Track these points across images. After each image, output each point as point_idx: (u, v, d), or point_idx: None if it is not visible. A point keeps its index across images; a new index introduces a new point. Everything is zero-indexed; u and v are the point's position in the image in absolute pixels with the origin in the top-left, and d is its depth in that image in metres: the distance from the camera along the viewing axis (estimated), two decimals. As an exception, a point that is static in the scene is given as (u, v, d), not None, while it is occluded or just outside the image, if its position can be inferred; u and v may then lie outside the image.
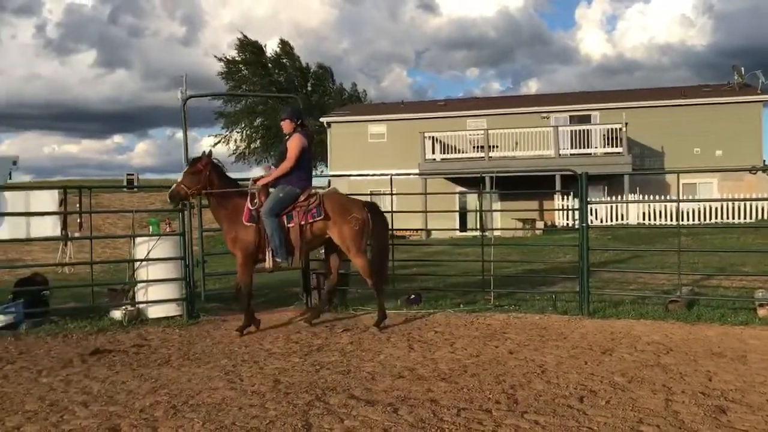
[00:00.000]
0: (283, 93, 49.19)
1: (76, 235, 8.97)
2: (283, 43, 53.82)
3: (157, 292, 8.51)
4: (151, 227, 8.90)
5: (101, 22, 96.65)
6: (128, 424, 4.48)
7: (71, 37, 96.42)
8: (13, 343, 7.18)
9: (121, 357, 6.54)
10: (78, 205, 8.85)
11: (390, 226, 8.64)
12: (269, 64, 52.98)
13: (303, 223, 7.63)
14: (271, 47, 54.29)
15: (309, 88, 53.61)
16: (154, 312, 8.38)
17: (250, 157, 52.69)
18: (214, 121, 67.33)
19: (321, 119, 36.39)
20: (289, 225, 7.62)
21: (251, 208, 7.57)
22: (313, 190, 7.89)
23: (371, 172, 24.43)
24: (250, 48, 52.33)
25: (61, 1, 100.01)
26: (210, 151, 7.83)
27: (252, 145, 52.81)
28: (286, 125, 7.89)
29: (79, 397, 5.17)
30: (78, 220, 8.82)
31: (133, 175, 33.64)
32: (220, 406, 4.85)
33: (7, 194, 8.09)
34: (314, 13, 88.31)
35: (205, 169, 7.62)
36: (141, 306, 8.46)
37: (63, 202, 8.32)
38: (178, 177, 7.86)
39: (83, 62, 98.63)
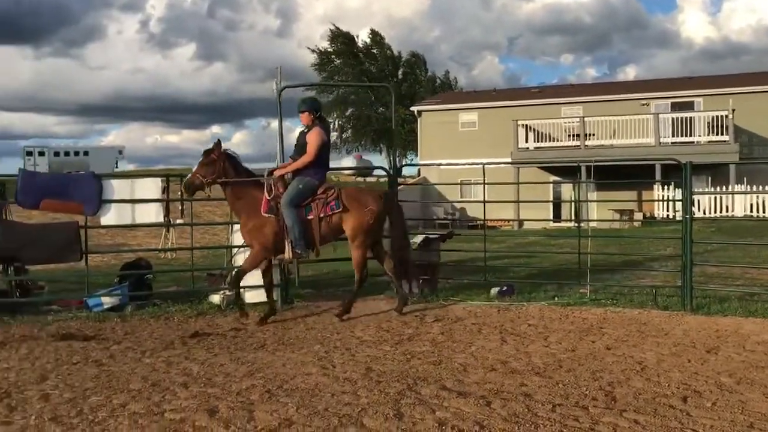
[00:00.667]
0: (374, 82, 49.57)
1: (178, 221, 9.32)
2: (374, 33, 54.13)
3: (255, 277, 8.71)
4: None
5: (200, 17, 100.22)
6: (226, 406, 4.60)
7: (172, 32, 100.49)
8: (119, 324, 7.54)
9: (219, 340, 6.74)
10: (180, 193, 9.19)
11: (483, 216, 8.51)
12: (360, 54, 53.39)
13: (322, 215, 7.66)
14: (362, 37, 54.65)
15: (400, 77, 53.68)
16: (250, 297, 8.58)
17: (342, 147, 53.35)
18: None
19: (411, 108, 36.36)
20: (308, 217, 7.62)
21: (269, 198, 7.57)
22: (330, 185, 8.05)
23: (462, 161, 24.14)
24: (341, 39, 52.89)
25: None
26: (219, 141, 7.83)
27: (344, 135, 53.46)
28: (305, 118, 7.87)
29: (180, 378, 5.36)
30: (180, 208, 9.16)
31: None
32: (314, 392, 4.92)
33: (114, 182, 8.46)
34: (406, 4, 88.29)
35: (219, 159, 7.62)
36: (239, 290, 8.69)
37: (166, 189, 8.65)
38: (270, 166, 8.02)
39: (183, 56, 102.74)
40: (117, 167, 47.12)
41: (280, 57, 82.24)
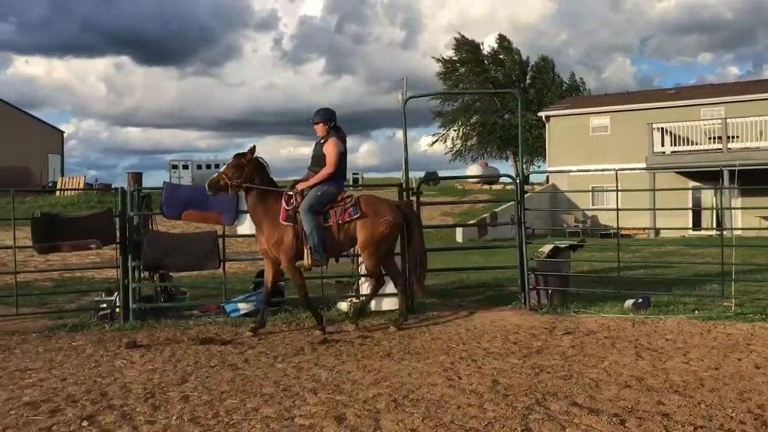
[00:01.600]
0: (499, 89, 49.01)
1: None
2: (501, 38, 53.49)
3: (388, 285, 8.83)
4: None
5: (329, 32, 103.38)
6: (353, 414, 4.66)
7: (303, 48, 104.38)
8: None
9: (347, 347, 6.86)
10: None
11: (616, 224, 8.14)
12: (485, 61, 52.95)
13: (340, 222, 7.67)
14: (488, 44, 54.18)
15: (527, 82, 52.74)
16: (377, 305, 8.70)
17: (467, 155, 53.09)
18: (431, 121, 68.77)
19: (539, 113, 35.59)
20: (326, 224, 7.64)
21: (287, 208, 7.61)
22: (347, 193, 8.03)
23: (594, 167, 23.38)
24: (466, 47, 52.70)
25: (294, 15, 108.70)
26: (254, 147, 7.90)
27: (468, 143, 53.18)
28: (320, 129, 7.88)
29: (309, 384, 5.49)
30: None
31: (358, 174, 35.53)
32: (439, 403, 4.88)
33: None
34: (532, 9, 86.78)
35: (249, 164, 7.68)
36: (365, 298, 8.83)
37: (295, 200, 8.91)
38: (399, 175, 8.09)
39: (314, 70, 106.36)
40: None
41: (405, 68, 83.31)
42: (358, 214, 7.67)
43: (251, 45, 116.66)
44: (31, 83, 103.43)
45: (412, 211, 8.43)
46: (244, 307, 8.64)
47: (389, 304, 8.72)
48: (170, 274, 9.00)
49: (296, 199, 7.62)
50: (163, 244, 8.40)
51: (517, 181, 9.52)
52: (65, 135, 53.31)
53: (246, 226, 8.63)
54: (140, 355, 6.58)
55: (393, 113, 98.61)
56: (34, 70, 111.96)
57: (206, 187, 7.69)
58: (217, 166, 51.14)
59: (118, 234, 8.31)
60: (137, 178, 9.32)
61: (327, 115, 7.90)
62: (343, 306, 8.73)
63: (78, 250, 8.64)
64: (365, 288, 8.87)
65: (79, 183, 34.44)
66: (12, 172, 40.29)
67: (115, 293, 8.45)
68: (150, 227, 8.90)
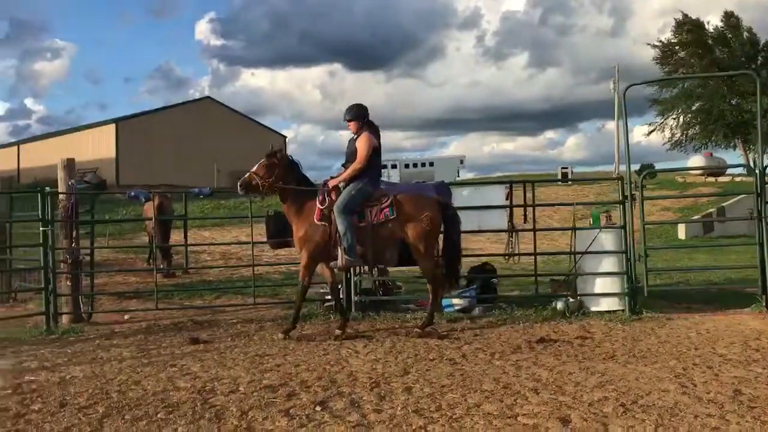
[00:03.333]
0: (726, 71, 44.74)
1: (523, 227, 9.46)
2: (728, 16, 48.71)
3: (599, 285, 8.48)
4: (591, 220, 8.90)
5: (533, 26, 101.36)
6: (578, 417, 4.49)
7: (506, 43, 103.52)
8: (468, 325, 7.90)
9: (566, 347, 6.65)
10: (523, 199, 9.32)
11: None
12: (709, 42, 48.58)
13: (375, 222, 7.35)
14: (712, 24, 49.63)
15: (758, 62, 47.60)
16: (595, 305, 8.35)
17: (687, 144, 49.12)
18: (644, 110, 64.55)
19: (775, 97, 31.98)
20: (360, 224, 7.34)
21: (321, 207, 7.39)
22: (384, 190, 7.70)
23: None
24: (688, 27, 48.70)
25: (497, 11, 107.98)
26: (284, 145, 7.49)
27: (689, 132, 49.16)
28: (352, 126, 7.66)
29: (530, 383, 5.39)
30: (523, 213, 9.28)
31: (567, 168, 34.42)
32: (673, 411, 4.55)
33: (462, 190, 8.93)
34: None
35: (280, 164, 7.58)
36: (582, 298, 8.52)
37: (509, 196, 8.85)
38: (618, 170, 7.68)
39: (516, 65, 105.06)
40: (459, 176, 49.86)
41: (614, 56, 79.40)
42: (395, 215, 7.43)
43: (454, 44, 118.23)
44: (257, 93, 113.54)
45: (451, 207, 8.03)
46: (458, 302, 8.73)
47: (608, 304, 8.33)
48: (387, 268, 9.33)
49: (330, 198, 7.47)
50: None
51: (756, 172, 8.62)
52: (287, 139, 57.63)
53: (463, 222, 8.70)
54: (363, 345, 6.89)
55: (601, 104, 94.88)
56: (259, 81, 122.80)
57: (238, 186, 7.80)
58: (423, 164, 52.50)
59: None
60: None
61: (359, 111, 7.73)
62: (559, 305, 8.47)
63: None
64: (586, 286, 8.55)
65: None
66: (243, 176, 44.46)
67: (339, 286, 8.93)
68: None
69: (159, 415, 4.75)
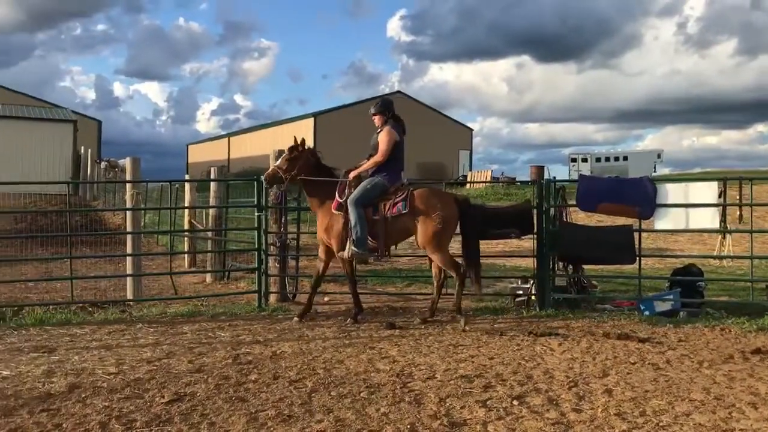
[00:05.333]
0: None
1: (736, 227, 8.74)
2: None
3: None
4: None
5: (743, 10, 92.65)
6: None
7: (711, 30, 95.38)
8: (671, 330, 7.44)
9: (787, 361, 6.05)
10: (738, 197, 8.60)
11: None
12: None
13: (388, 216, 7.46)
14: None
15: None
16: None
17: None
18: None
19: None
20: (374, 217, 7.45)
21: (340, 200, 7.58)
22: (404, 185, 7.69)
23: None
24: None
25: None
26: (303, 139, 7.98)
27: None
28: (377, 120, 7.78)
29: (746, 396, 4.99)
30: (738, 213, 8.56)
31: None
32: None
33: (668, 186, 8.39)
34: None
35: (302, 156, 7.78)
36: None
37: (722, 194, 8.19)
38: None
39: (722, 53, 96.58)
40: (655, 171, 46.93)
41: None
42: (407, 210, 7.45)
43: (652, 33, 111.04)
44: (443, 87, 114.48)
45: (469, 205, 7.82)
46: (660, 305, 8.25)
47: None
48: (582, 266, 9.05)
49: (349, 189, 7.59)
50: (579, 237, 8.47)
51: None
52: (473, 132, 57.66)
53: (665, 221, 8.23)
54: (558, 343, 6.75)
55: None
56: (446, 75, 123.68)
57: (263, 180, 8.15)
58: (617, 159, 50.02)
59: (535, 225, 8.64)
60: (540, 171, 9.61)
61: (385, 105, 7.87)
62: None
63: (500, 239, 9.22)
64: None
65: (486, 176, 36.89)
66: (431, 167, 45.23)
67: (531, 281, 8.82)
68: (564, 219, 9.05)
69: (362, 394, 5.00)
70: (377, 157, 7.64)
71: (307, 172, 7.87)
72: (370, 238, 7.55)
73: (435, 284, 7.92)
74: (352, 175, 7.73)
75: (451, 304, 7.88)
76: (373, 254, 7.79)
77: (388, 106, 7.90)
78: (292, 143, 7.97)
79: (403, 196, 7.54)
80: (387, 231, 7.56)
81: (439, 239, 7.48)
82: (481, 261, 7.88)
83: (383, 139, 7.66)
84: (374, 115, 7.87)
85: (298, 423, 4.41)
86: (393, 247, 8.01)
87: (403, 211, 7.49)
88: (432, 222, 7.42)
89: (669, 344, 6.76)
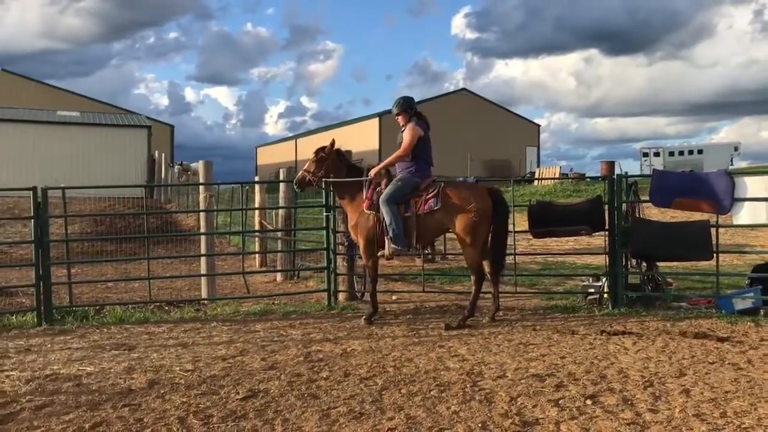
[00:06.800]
0: None
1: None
2: None
3: None
4: None
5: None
6: None
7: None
8: (752, 329, 7.16)
9: None
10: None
11: None
12: None
13: (420, 213, 7.47)
14: None
15: None
16: None
17: None
18: None
19: None
20: (406, 214, 7.45)
21: (369, 198, 7.63)
22: (434, 180, 7.71)
23: None
24: None
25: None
26: (333, 141, 8.08)
27: None
28: (401, 119, 7.79)
29: (835, 398, 4.76)
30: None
31: None
32: None
33: (747, 180, 8.07)
34: None
35: (329, 157, 7.87)
36: None
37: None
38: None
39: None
40: (732, 164, 45.15)
41: None
42: (439, 206, 7.43)
43: (726, 21, 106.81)
44: (509, 83, 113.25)
45: (501, 197, 7.76)
46: (739, 303, 7.95)
47: None
48: (656, 263, 8.81)
49: (381, 187, 7.60)
50: (653, 233, 8.24)
51: None
52: (540, 128, 56.82)
53: (743, 215, 7.92)
54: (632, 342, 6.59)
55: None
56: (512, 71, 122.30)
57: (294, 183, 8.22)
58: (690, 152, 48.38)
59: (606, 221, 8.46)
60: (610, 166, 9.38)
61: (407, 103, 7.84)
62: None
63: (570, 236, 9.08)
64: None
65: (554, 173, 36.28)
66: (498, 164, 44.87)
67: (603, 279, 8.64)
68: (637, 215, 8.82)
69: (432, 393, 5.01)
70: (399, 152, 7.70)
71: (335, 173, 7.96)
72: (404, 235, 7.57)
73: (491, 281, 7.80)
74: (372, 172, 7.80)
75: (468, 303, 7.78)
76: (412, 251, 7.85)
77: (409, 104, 7.88)
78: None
79: (435, 192, 7.54)
80: (420, 228, 7.54)
81: (476, 232, 7.44)
82: (504, 261, 7.99)
83: (407, 134, 7.69)
84: (397, 115, 7.89)
85: (370, 420, 4.46)
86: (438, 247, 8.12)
87: (435, 208, 7.48)
88: (468, 215, 7.40)
89: (750, 343, 6.51)
